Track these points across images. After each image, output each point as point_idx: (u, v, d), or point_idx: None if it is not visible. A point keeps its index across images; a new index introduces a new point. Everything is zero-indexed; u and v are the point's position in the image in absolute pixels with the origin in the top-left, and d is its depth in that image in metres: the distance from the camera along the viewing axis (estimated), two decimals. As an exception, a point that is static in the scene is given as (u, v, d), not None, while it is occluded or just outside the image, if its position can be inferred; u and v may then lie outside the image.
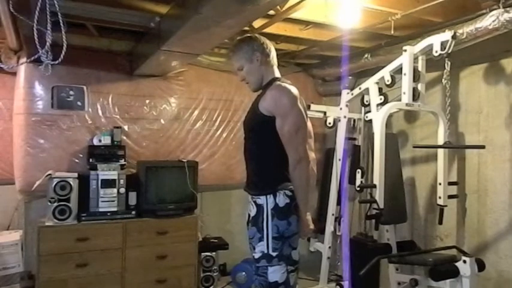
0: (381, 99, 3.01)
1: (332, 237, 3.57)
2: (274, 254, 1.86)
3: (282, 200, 1.87)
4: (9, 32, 2.64)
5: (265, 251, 1.87)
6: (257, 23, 2.83)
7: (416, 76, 2.75)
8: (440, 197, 2.76)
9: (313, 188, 2.10)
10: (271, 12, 2.56)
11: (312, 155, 2.10)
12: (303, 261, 3.41)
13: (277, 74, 2.05)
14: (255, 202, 1.93)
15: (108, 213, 3.19)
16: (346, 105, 3.51)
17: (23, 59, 3.18)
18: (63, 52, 1.70)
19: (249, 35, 2.17)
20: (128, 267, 3.21)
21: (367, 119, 3.37)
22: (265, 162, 1.95)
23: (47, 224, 3.02)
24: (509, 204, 2.76)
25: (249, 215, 1.99)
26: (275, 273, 1.86)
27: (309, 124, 2.10)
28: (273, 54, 2.05)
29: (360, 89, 3.29)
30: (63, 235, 3.03)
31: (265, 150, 1.94)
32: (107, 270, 3.14)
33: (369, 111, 3.18)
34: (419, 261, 2.75)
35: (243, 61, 2.00)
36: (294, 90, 1.92)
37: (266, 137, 1.90)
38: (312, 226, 1.95)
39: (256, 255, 1.91)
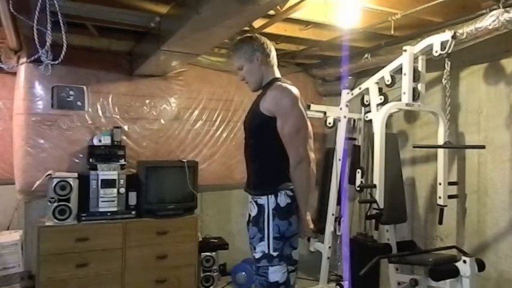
0: (381, 99, 3.01)
1: (332, 237, 3.57)
2: (275, 254, 1.86)
3: (283, 200, 1.87)
4: (9, 32, 2.64)
5: (266, 251, 1.87)
6: (257, 23, 2.83)
7: (416, 76, 2.75)
8: (440, 197, 2.76)
9: (313, 188, 2.10)
10: (271, 12, 2.56)
11: (312, 155, 2.09)
12: (303, 261, 3.40)
13: (278, 74, 2.05)
14: (256, 202, 1.93)
15: (108, 213, 3.19)
16: (346, 105, 3.51)
17: (23, 59, 3.18)
18: (63, 52, 1.70)
19: (249, 34, 2.17)
20: (128, 267, 3.21)
21: (367, 119, 3.37)
22: (266, 162, 1.95)
23: (47, 224, 3.02)
24: (509, 204, 2.76)
25: (249, 215, 1.99)
26: (276, 273, 1.86)
27: (309, 124, 2.10)
28: (273, 54, 2.05)
29: (360, 89, 3.29)
30: (63, 235, 3.03)
31: (266, 150, 1.94)
32: (107, 270, 3.14)
33: (369, 111, 3.18)
34: (419, 261, 2.75)
35: (243, 61, 2.00)
36: (295, 90, 1.92)
37: (267, 137, 1.90)
38: (312, 226, 1.95)
39: (257, 255, 1.91)
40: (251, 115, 2.00)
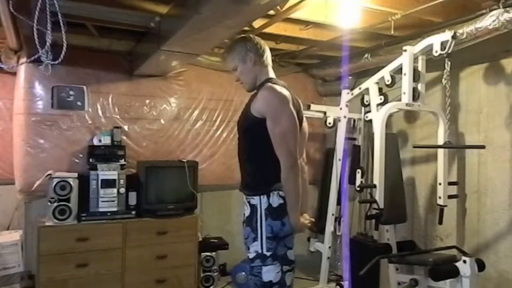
0: (381, 99, 3.00)
1: (332, 237, 3.57)
2: (268, 253, 1.85)
3: (275, 200, 1.86)
4: (9, 32, 2.64)
5: (260, 251, 1.86)
6: (257, 23, 2.82)
7: (416, 76, 2.75)
8: (440, 197, 2.76)
9: (306, 189, 2.07)
10: (271, 12, 2.56)
11: (303, 155, 2.08)
12: (303, 261, 3.41)
13: (272, 74, 2.03)
14: (249, 202, 1.93)
15: (108, 213, 3.19)
16: (346, 105, 3.51)
17: (23, 59, 3.18)
18: (63, 52, 1.70)
19: (242, 35, 2.16)
20: (128, 267, 3.21)
21: (367, 119, 3.37)
22: (258, 163, 1.94)
23: (47, 224, 3.02)
24: (509, 204, 2.76)
25: (244, 215, 1.99)
26: (269, 272, 1.85)
27: (305, 124, 2.09)
28: (267, 55, 2.03)
29: (360, 89, 3.29)
30: (63, 235, 3.03)
31: (258, 151, 1.92)
32: (107, 270, 3.15)
33: (369, 111, 3.17)
34: (419, 261, 2.75)
35: (237, 61, 1.99)
36: (285, 91, 1.89)
37: (259, 138, 1.88)
38: (307, 221, 1.94)
39: (251, 255, 1.91)
40: (243, 116, 1.98)
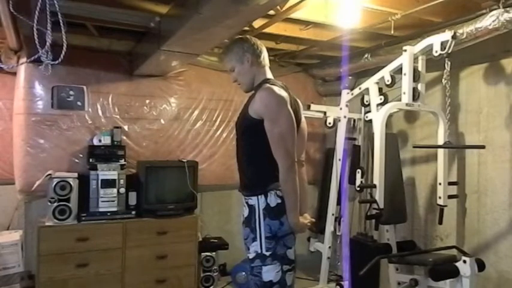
0: (381, 99, 3.00)
1: (332, 237, 3.57)
2: (267, 253, 1.85)
3: (273, 200, 1.86)
4: (9, 32, 2.64)
5: (259, 251, 1.86)
6: (257, 23, 2.83)
7: (416, 76, 2.75)
8: (440, 197, 2.76)
9: (305, 189, 2.07)
10: (271, 12, 2.56)
11: (302, 156, 2.08)
12: (303, 261, 3.41)
13: (269, 74, 2.03)
14: (247, 203, 1.93)
15: (108, 213, 3.19)
16: (346, 105, 3.51)
17: (23, 59, 3.18)
18: (63, 52, 1.70)
19: (239, 36, 2.15)
20: (128, 267, 3.21)
21: (367, 119, 3.37)
22: (256, 163, 1.93)
23: (47, 224, 3.02)
24: (509, 204, 2.76)
25: (243, 216, 1.99)
26: (269, 272, 1.85)
27: (304, 125, 2.09)
28: (264, 55, 2.03)
29: (360, 89, 3.29)
30: (63, 235, 3.03)
31: (256, 152, 1.91)
32: (107, 270, 3.15)
33: (369, 111, 3.18)
34: (419, 261, 2.75)
35: (234, 62, 1.99)
36: (283, 92, 1.89)
37: (256, 139, 1.87)
38: (307, 221, 1.94)
39: (251, 256, 1.91)
40: (241, 117, 1.98)
